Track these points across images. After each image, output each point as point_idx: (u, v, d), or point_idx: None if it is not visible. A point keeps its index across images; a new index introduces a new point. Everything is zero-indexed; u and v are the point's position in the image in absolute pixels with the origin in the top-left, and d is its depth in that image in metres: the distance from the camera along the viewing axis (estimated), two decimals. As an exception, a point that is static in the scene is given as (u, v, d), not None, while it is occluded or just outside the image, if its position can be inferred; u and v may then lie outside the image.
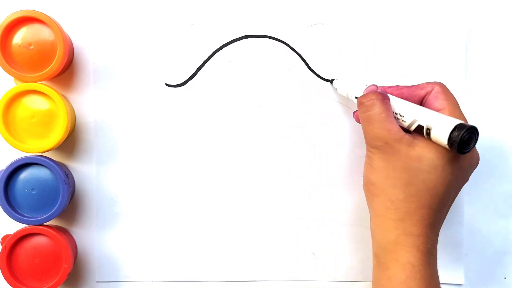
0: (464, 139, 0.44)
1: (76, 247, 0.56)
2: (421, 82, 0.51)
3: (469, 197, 0.57)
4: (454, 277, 0.57)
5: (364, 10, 0.56)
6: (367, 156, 0.48)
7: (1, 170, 0.53)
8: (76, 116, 0.56)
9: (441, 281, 0.57)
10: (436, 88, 0.49)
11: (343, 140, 0.57)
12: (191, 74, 0.56)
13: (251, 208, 0.57)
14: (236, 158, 0.57)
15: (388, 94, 0.50)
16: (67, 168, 0.56)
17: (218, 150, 0.56)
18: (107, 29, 0.56)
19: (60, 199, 0.53)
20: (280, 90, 0.57)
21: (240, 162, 0.57)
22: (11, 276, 0.52)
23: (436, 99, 0.48)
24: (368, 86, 0.51)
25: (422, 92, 0.49)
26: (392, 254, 0.46)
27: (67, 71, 0.56)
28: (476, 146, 0.57)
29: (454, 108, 0.48)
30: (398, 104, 0.49)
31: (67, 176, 0.54)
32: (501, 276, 0.58)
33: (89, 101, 0.56)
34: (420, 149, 0.46)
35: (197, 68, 0.56)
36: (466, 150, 0.44)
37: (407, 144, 0.46)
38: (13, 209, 0.52)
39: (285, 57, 0.56)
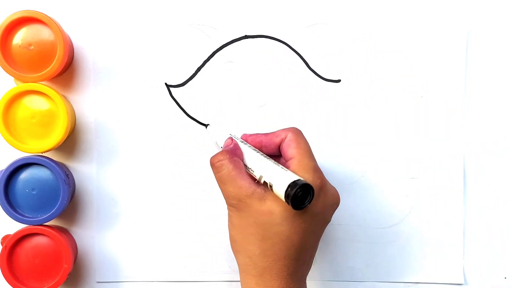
0: (298, 195, 0.44)
1: (76, 247, 0.56)
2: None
3: (469, 197, 0.57)
4: (454, 277, 0.57)
5: (364, 10, 0.56)
6: (228, 214, 0.49)
7: (1, 170, 0.53)
8: (76, 116, 0.56)
9: (441, 281, 0.57)
10: (289, 136, 0.49)
11: (343, 139, 0.57)
12: (191, 74, 0.56)
13: (251, 208, 0.57)
14: (236, 158, 0.57)
15: (243, 146, 0.50)
16: (67, 168, 0.56)
17: (218, 150, 0.56)
18: (107, 29, 0.56)
19: (60, 199, 0.53)
20: (280, 90, 0.57)
21: (240, 162, 0.57)
22: (11, 276, 0.52)
23: (288, 147, 0.49)
24: (227, 139, 0.51)
25: (277, 140, 0.50)
26: None
27: (67, 71, 0.56)
28: (474, 145, 0.57)
29: (303, 156, 0.48)
30: (249, 159, 0.49)
31: (67, 176, 0.54)
32: (501, 276, 0.58)
33: (89, 101, 0.56)
34: (270, 202, 0.46)
35: (197, 68, 0.56)
36: (302, 206, 0.45)
37: (259, 198, 0.46)
38: (13, 209, 0.53)
39: (285, 57, 0.56)
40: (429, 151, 0.57)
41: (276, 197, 0.46)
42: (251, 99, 0.57)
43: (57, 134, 0.52)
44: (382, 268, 0.57)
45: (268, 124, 0.56)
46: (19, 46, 0.52)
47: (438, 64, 0.57)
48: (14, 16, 0.52)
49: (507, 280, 0.58)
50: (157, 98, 0.56)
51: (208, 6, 0.56)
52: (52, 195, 0.53)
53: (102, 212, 0.56)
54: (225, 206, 0.57)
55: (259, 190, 0.47)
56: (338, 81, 0.57)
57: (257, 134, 0.51)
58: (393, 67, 0.57)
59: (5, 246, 0.53)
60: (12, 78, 0.53)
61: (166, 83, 0.56)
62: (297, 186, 0.44)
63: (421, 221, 0.57)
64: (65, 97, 0.55)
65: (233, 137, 0.52)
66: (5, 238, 0.53)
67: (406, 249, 0.57)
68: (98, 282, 0.57)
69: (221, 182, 0.48)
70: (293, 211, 0.46)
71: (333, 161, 0.57)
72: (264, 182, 0.47)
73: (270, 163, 0.48)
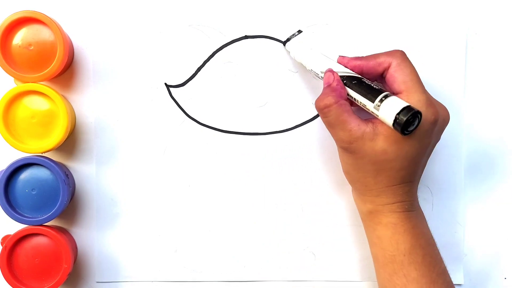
0: (409, 121, 0.46)
1: (76, 247, 0.56)
2: (382, 53, 0.51)
3: (469, 197, 0.57)
4: (454, 277, 0.57)
5: (364, 10, 0.56)
6: (339, 152, 0.51)
7: (1, 171, 0.53)
8: (76, 116, 0.56)
9: (441, 281, 0.57)
10: (393, 66, 0.49)
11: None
12: (191, 74, 0.56)
13: (252, 208, 0.57)
14: (236, 157, 0.57)
15: (346, 78, 0.50)
16: (67, 168, 0.56)
17: (218, 150, 0.57)
18: (107, 29, 0.56)
19: (60, 199, 0.53)
20: (280, 90, 0.57)
21: (241, 161, 0.57)
22: (11, 276, 0.53)
23: (394, 81, 0.49)
24: (325, 72, 0.51)
25: (379, 69, 0.50)
26: (374, 218, 0.51)
27: (67, 71, 0.56)
28: (476, 146, 0.57)
29: (411, 91, 0.48)
30: (353, 90, 0.49)
31: (67, 176, 0.54)
32: (501, 276, 0.58)
33: (89, 101, 0.56)
34: (382, 142, 0.48)
35: (197, 68, 0.56)
36: (407, 133, 0.46)
37: (369, 139, 0.48)
38: (13, 209, 0.53)
39: (285, 57, 0.56)
40: (429, 151, 0.57)
41: (387, 136, 0.47)
42: (251, 99, 0.57)
43: (57, 134, 0.52)
44: (382, 268, 0.57)
45: (268, 124, 0.57)
46: (19, 46, 0.52)
47: (438, 63, 0.57)
48: (14, 16, 0.52)
49: (507, 280, 0.58)
50: (157, 98, 0.56)
51: (208, 6, 0.56)
52: (52, 195, 0.53)
53: (102, 212, 0.57)
54: (225, 206, 0.57)
55: (368, 130, 0.48)
56: (338, 81, 0.57)
57: (355, 58, 0.51)
58: (393, 67, 0.57)
59: (5, 246, 0.53)
60: (12, 78, 0.53)
61: (166, 83, 0.56)
62: (411, 111, 0.45)
63: (421, 221, 0.57)
64: (65, 97, 0.55)
65: (331, 68, 0.51)
66: (5, 238, 0.53)
67: (406, 249, 0.57)
68: (97, 282, 0.57)
69: (329, 126, 0.50)
70: (406, 147, 0.47)
71: (333, 160, 0.57)
72: (375, 108, 0.47)
73: (375, 90, 0.48)
